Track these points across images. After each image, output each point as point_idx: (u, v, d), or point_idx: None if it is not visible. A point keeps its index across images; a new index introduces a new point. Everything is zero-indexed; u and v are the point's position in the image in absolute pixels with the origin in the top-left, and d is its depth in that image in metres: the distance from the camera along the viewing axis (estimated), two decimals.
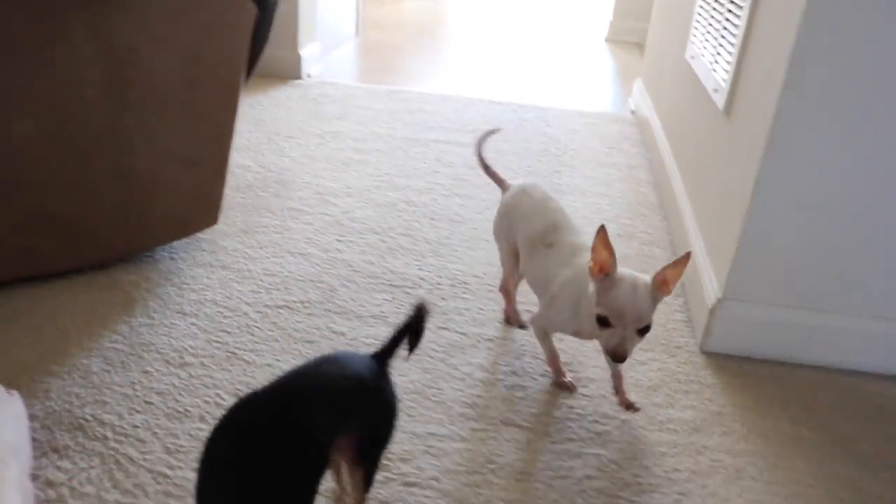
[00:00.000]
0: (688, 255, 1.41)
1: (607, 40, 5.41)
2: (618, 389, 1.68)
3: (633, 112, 3.66)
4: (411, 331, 1.23)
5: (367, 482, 1.24)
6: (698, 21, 2.55)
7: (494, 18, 5.99)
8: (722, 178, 2.01)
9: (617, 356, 1.42)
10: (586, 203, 2.61)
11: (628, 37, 5.40)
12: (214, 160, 2.07)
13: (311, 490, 1.08)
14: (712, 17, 2.35)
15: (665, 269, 1.41)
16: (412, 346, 1.24)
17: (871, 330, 1.87)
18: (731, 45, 2.08)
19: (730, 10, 2.15)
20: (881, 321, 1.86)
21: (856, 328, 1.87)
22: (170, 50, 1.87)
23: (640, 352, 1.86)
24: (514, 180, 2.60)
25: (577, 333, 1.61)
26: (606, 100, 3.99)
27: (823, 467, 1.61)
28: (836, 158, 1.71)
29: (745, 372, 1.86)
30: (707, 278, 1.97)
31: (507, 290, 1.92)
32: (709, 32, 2.37)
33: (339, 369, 1.17)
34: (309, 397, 1.11)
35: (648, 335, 1.45)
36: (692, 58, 2.56)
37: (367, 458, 1.22)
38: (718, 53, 2.21)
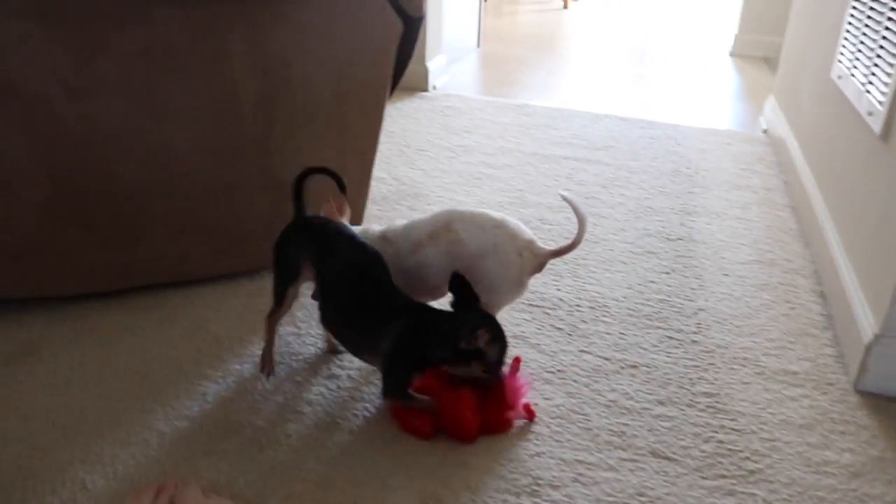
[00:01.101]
0: None
1: (732, 54, 5.25)
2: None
3: (765, 131, 3.54)
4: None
5: None
6: (847, 38, 2.44)
7: (611, 30, 5.91)
8: (880, 208, 1.92)
9: None
10: (722, 226, 2.53)
11: (754, 51, 5.22)
12: (358, 172, 2.11)
13: None
14: (865, 34, 2.25)
15: None
16: None
17: None
18: (890, 64, 1.98)
19: (888, 28, 2.05)
20: None
21: None
22: (320, 64, 1.91)
23: (790, 387, 1.79)
24: (647, 201, 2.54)
25: None
26: (734, 117, 3.87)
27: None
28: None
29: None
30: (861, 312, 1.87)
31: None
32: (860, 51, 2.27)
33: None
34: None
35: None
36: (839, 77, 2.45)
37: None
38: (873, 73, 2.11)
